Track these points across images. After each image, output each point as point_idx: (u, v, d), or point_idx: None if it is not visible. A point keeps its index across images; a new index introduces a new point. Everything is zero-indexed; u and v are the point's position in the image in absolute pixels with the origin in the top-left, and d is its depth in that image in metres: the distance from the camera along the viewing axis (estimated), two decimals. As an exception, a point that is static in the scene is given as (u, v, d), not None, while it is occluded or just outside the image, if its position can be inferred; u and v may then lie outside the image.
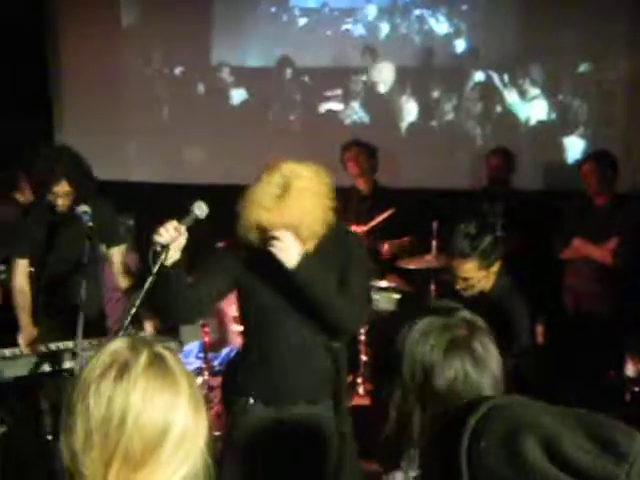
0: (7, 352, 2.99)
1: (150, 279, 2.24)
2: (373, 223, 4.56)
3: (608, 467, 0.97)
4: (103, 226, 3.26)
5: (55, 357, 2.89)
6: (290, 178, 2.38)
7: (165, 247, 2.27)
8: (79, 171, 3.29)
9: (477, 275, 2.84)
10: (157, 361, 1.20)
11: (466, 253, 2.80)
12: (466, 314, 1.44)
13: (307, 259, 2.39)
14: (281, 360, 2.51)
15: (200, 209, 2.35)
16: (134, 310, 2.21)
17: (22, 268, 3.39)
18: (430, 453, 1.29)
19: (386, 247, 4.65)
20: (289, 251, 2.36)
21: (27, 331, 3.32)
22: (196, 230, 2.37)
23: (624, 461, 0.97)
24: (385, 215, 4.55)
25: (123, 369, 1.18)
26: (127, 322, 2.22)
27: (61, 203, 3.27)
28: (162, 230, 2.28)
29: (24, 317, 3.37)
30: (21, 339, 3.30)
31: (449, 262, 2.89)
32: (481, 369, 1.36)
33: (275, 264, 2.39)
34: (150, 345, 1.23)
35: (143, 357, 1.20)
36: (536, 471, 0.97)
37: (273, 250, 2.36)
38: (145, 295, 2.24)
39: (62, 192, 3.24)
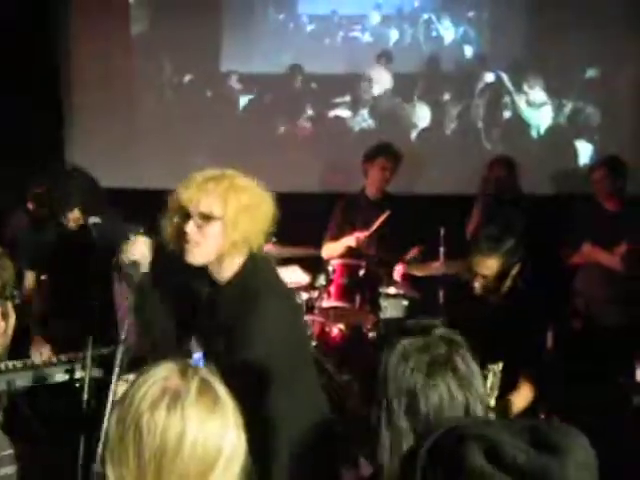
0: (18, 363, 3.02)
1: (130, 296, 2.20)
2: (375, 227, 4.54)
3: (542, 461, 1.02)
4: (112, 236, 3.30)
5: (65, 367, 2.92)
6: (234, 176, 2.16)
7: (132, 265, 2.20)
8: (93, 198, 3.36)
9: (497, 273, 2.88)
10: (206, 388, 1.22)
11: (489, 250, 2.86)
12: (442, 331, 1.41)
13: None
14: None
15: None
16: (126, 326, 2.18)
17: (32, 279, 3.44)
18: None
19: (402, 269, 4.62)
20: (198, 249, 2.11)
21: (38, 342, 3.35)
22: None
23: (558, 454, 1.03)
24: (382, 218, 4.52)
25: (176, 399, 1.19)
26: (123, 336, 2.17)
27: (72, 224, 3.33)
28: (131, 247, 2.21)
29: (35, 328, 3.41)
30: (32, 350, 3.33)
31: (470, 260, 2.93)
32: (466, 387, 1.34)
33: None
34: (198, 372, 1.24)
35: (194, 386, 1.21)
36: (478, 475, 1.01)
37: (184, 248, 2.12)
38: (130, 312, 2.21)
39: (74, 218, 3.30)
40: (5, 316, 1.62)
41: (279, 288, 2.23)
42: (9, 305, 1.63)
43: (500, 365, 2.72)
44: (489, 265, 2.87)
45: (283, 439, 2.12)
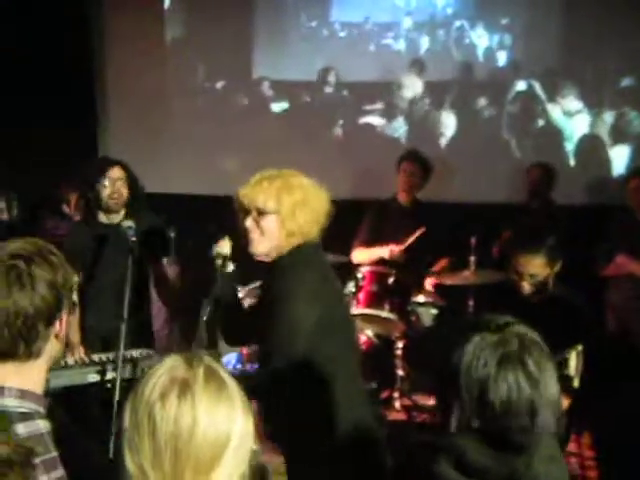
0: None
1: (217, 285, 2.48)
2: (410, 241, 4.54)
3: (507, 462, 1.09)
4: (146, 240, 3.34)
5: (99, 368, 2.95)
6: (289, 175, 2.39)
7: (226, 257, 2.50)
8: (135, 180, 3.42)
9: (544, 272, 2.95)
10: (212, 375, 1.28)
11: (535, 249, 2.93)
12: (519, 328, 1.48)
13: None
14: None
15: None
16: (205, 318, 2.44)
17: None
18: None
19: (431, 282, 4.62)
20: (257, 241, 2.36)
21: (73, 342, 3.39)
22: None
23: (522, 454, 1.09)
24: (419, 232, 4.52)
25: (185, 387, 1.25)
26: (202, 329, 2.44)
27: (115, 201, 3.38)
28: (221, 242, 2.51)
29: (70, 329, 3.45)
30: (66, 350, 3.37)
31: (516, 261, 2.98)
32: (534, 385, 1.39)
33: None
34: (203, 360, 1.30)
35: (200, 374, 1.27)
36: None
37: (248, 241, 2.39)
38: (214, 300, 2.48)
39: (117, 178, 3.37)
40: (67, 320, 1.63)
41: (320, 266, 2.40)
42: (70, 309, 1.64)
43: (580, 347, 2.75)
44: (535, 265, 2.94)
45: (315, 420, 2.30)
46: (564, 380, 2.66)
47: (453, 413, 1.40)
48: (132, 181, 3.45)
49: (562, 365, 2.69)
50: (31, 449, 1.30)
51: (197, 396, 1.24)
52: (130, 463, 1.24)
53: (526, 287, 2.97)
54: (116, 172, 3.41)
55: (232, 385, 1.29)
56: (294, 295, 2.26)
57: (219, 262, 2.50)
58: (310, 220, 2.33)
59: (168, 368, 1.27)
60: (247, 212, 2.37)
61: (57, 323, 1.57)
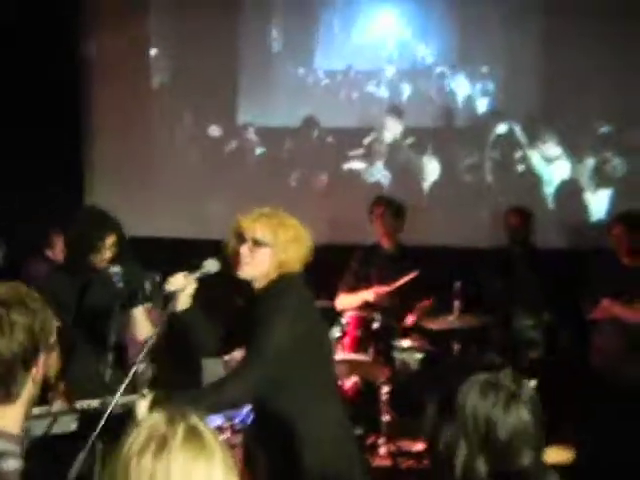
0: (36, 410, 3.01)
1: (163, 322, 2.59)
2: (397, 285, 4.57)
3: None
4: (131, 286, 3.32)
5: (79, 416, 2.91)
6: (284, 216, 2.67)
7: (173, 294, 2.58)
8: (124, 239, 3.42)
9: None
10: (192, 434, 1.26)
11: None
12: (511, 371, 1.57)
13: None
14: None
15: (210, 264, 2.63)
16: (146, 349, 2.46)
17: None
18: None
19: (411, 320, 4.64)
20: (248, 266, 2.57)
21: (56, 389, 3.34)
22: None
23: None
24: (409, 277, 4.55)
25: (162, 444, 1.24)
26: (140, 358, 2.46)
27: (105, 258, 3.36)
28: (172, 279, 2.59)
29: (53, 373, 3.40)
30: (50, 397, 3.32)
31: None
32: (536, 420, 1.49)
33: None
34: (185, 418, 1.28)
35: (179, 431, 1.25)
36: None
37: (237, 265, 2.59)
38: (157, 336, 2.53)
39: (110, 245, 3.35)
40: (45, 364, 1.66)
41: (303, 292, 2.66)
42: (48, 354, 1.67)
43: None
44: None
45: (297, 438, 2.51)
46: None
47: (455, 455, 1.47)
48: (122, 240, 3.43)
49: None
50: None
51: (173, 454, 1.23)
52: None
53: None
54: (111, 239, 3.38)
55: (214, 444, 1.28)
56: (274, 317, 2.52)
57: (167, 298, 2.61)
58: (298, 256, 2.62)
59: (149, 424, 1.27)
60: (242, 240, 2.61)
61: (34, 367, 1.62)
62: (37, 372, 1.63)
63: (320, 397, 2.60)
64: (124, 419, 2.32)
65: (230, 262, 2.65)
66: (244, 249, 2.60)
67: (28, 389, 1.63)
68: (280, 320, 2.50)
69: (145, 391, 2.43)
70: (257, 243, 2.59)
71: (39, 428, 2.83)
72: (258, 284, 2.65)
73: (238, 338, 2.75)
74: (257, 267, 2.60)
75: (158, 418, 1.28)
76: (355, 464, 2.67)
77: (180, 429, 1.25)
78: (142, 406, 2.35)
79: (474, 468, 1.45)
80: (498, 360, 1.61)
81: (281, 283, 2.61)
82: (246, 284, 2.67)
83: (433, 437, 1.53)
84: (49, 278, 3.70)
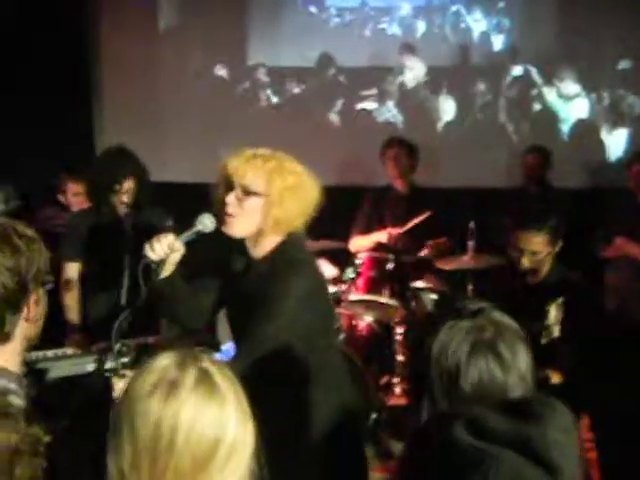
0: (51, 353, 3.05)
1: (141, 295, 2.12)
2: (410, 225, 4.54)
3: (524, 429, 1.10)
4: (149, 231, 3.32)
5: (98, 357, 2.94)
6: (283, 159, 2.17)
7: (156, 263, 2.08)
8: (144, 171, 3.38)
9: (544, 250, 3.02)
10: (204, 378, 1.20)
11: (538, 227, 3.01)
12: (494, 315, 1.45)
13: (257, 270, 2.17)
14: None
15: (203, 224, 2.14)
16: (118, 324, 2.14)
17: (72, 271, 3.45)
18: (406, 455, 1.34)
19: (426, 252, 4.62)
20: (235, 220, 2.11)
21: (73, 332, 3.38)
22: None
23: (538, 422, 1.11)
24: (421, 218, 4.52)
25: (171, 388, 1.17)
26: (115, 335, 2.13)
27: (125, 201, 3.32)
28: (156, 245, 2.08)
29: (72, 318, 3.45)
30: (67, 340, 3.36)
31: (518, 238, 3.06)
32: (507, 370, 1.39)
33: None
34: (197, 361, 1.22)
35: (190, 375, 1.19)
36: (460, 446, 1.10)
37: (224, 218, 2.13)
38: (133, 310, 2.17)
39: (128, 189, 3.30)
40: (38, 302, 1.60)
41: (308, 269, 2.20)
42: (41, 291, 1.61)
43: (560, 300, 2.80)
44: (537, 242, 3.01)
45: (305, 422, 2.16)
46: (544, 329, 2.76)
47: (422, 402, 1.40)
48: (143, 184, 3.36)
49: (543, 316, 2.77)
50: (38, 437, 1.24)
51: (182, 398, 1.16)
52: (110, 464, 1.17)
53: (525, 263, 3.03)
54: (130, 184, 3.31)
55: (227, 390, 1.20)
56: (276, 308, 2.10)
57: (148, 267, 2.10)
58: (298, 210, 2.13)
59: (159, 367, 1.20)
60: (230, 187, 2.13)
61: (25, 307, 1.56)
62: (29, 312, 1.57)
63: (322, 386, 2.20)
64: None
65: (219, 216, 2.16)
66: (230, 198, 2.11)
67: (21, 330, 1.57)
68: (283, 313, 2.08)
69: (124, 371, 2.10)
70: (247, 191, 2.10)
71: (56, 370, 2.87)
72: (253, 246, 2.19)
73: (229, 311, 2.36)
74: (246, 222, 2.12)
75: (169, 360, 1.20)
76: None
77: (191, 374, 1.18)
78: (120, 387, 1.98)
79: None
80: (477, 305, 1.46)
81: (286, 254, 2.14)
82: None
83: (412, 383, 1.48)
84: (76, 217, 3.68)
